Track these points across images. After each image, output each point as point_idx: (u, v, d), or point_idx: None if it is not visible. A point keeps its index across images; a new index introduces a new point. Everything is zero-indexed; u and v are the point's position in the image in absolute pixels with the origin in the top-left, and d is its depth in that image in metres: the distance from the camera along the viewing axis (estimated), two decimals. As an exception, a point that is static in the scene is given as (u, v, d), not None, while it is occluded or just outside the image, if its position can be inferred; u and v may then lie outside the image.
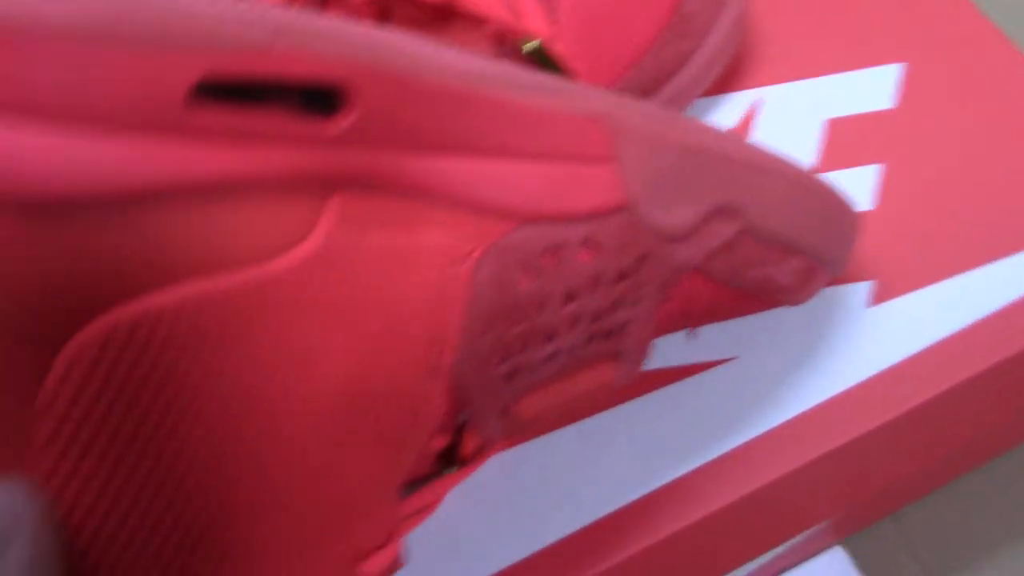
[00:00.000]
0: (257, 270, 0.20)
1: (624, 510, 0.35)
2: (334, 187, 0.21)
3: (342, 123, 0.21)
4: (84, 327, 0.19)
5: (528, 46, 0.36)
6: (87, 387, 0.19)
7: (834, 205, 0.32)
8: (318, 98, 0.22)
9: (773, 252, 0.31)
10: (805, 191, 0.31)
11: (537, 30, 0.37)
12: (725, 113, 0.42)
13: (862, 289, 0.38)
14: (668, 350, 0.37)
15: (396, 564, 0.26)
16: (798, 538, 0.37)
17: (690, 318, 0.32)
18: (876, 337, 0.37)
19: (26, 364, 0.19)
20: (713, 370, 0.37)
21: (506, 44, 0.37)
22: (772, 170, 0.30)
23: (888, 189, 0.39)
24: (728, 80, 0.42)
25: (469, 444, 0.29)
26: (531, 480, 0.35)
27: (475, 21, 0.35)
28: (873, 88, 0.42)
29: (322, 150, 0.21)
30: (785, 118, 0.42)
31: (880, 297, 0.37)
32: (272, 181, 0.20)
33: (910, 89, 0.42)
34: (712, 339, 0.37)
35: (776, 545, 0.36)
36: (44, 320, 0.19)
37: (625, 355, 0.30)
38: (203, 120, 0.19)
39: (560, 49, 0.38)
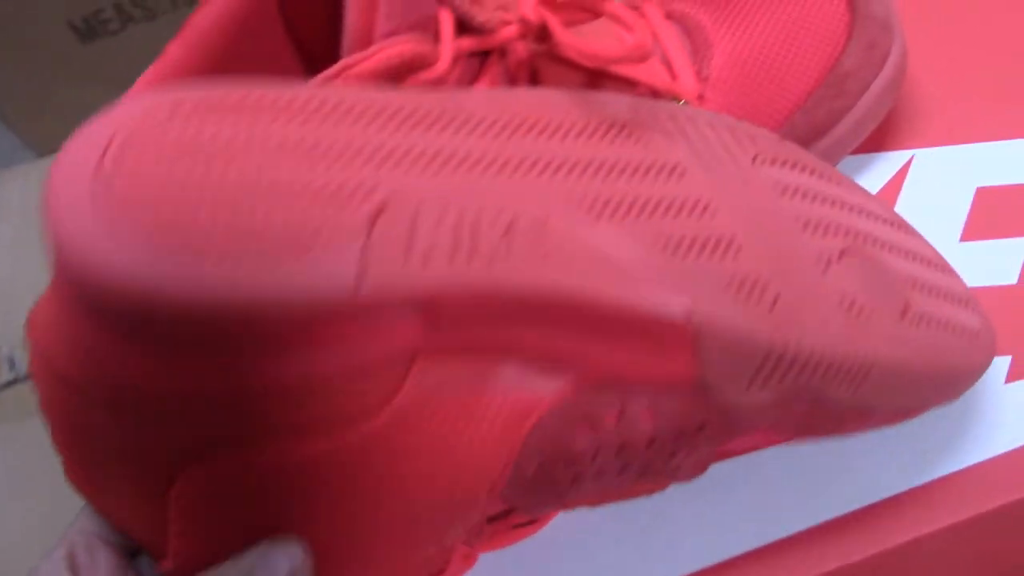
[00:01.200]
0: (362, 426, 0.24)
1: (741, 559, 0.35)
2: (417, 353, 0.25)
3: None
4: (202, 462, 0.23)
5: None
6: (197, 508, 0.23)
7: (960, 372, 0.32)
8: None
9: (852, 416, 0.31)
10: (921, 374, 0.31)
11: (686, 90, 0.37)
12: (874, 173, 0.41)
13: (1000, 364, 0.37)
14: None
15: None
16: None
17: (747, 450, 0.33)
18: (1011, 415, 0.36)
19: (156, 473, 0.23)
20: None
21: (656, 103, 0.37)
22: (880, 360, 0.29)
23: (1036, 264, 0.38)
24: (880, 139, 0.42)
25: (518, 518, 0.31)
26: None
27: (624, 82, 0.36)
28: (1029, 158, 0.40)
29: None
30: (935, 183, 0.41)
31: (1017, 374, 0.37)
32: (384, 360, 0.24)
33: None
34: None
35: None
36: (171, 443, 0.23)
37: (675, 481, 0.31)
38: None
39: (711, 108, 0.38)
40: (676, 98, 0.37)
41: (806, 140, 0.39)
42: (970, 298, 0.33)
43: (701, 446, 0.30)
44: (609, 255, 0.27)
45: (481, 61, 0.35)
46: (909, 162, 0.41)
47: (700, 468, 0.31)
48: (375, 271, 0.23)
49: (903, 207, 0.40)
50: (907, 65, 0.40)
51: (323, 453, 0.24)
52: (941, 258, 0.34)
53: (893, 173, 0.41)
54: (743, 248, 0.29)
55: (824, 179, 0.33)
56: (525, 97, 0.30)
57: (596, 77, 0.36)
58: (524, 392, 0.27)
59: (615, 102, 0.31)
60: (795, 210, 0.31)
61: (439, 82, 0.32)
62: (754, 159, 0.32)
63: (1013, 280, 0.38)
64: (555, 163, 0.28)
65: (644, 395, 0.28)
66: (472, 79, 0.34)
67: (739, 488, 0.36)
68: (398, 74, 0.31)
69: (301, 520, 0.24)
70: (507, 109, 0.29)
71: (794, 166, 0.32)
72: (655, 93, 0.37)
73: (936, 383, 0.31)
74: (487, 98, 0.29)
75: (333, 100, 0.26)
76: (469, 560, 0.31)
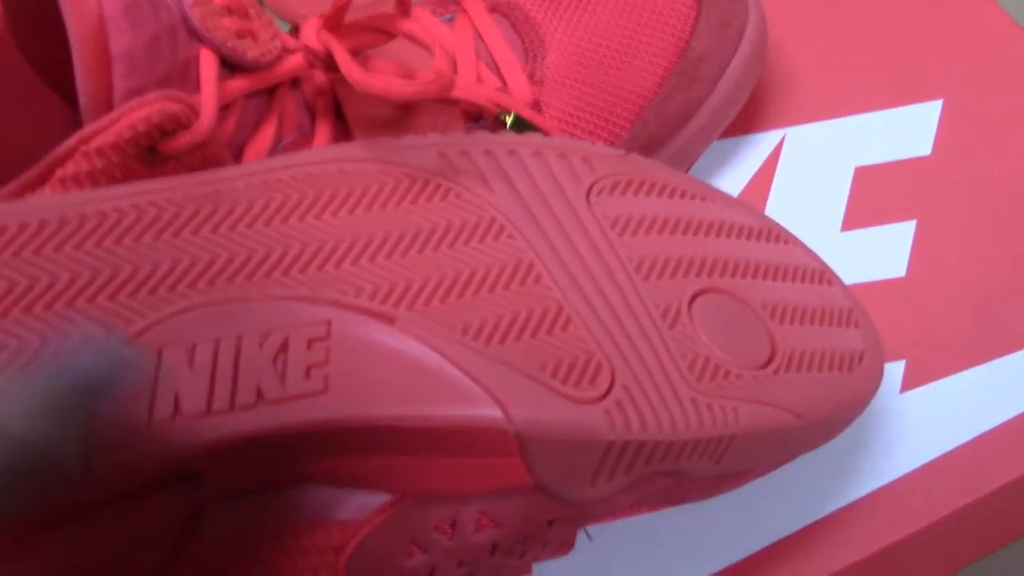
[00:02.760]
0: None
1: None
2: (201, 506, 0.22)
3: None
4: None
5: (508, 120, 0.31)
6: None
7: (843, 410, 0.27)
8: None
9: (724, 480, 0.27)
10: (793, 428, 0.26)
11: (518, 98, 0.32)
12: (744, 158, 0.36)
13: (894, 371, 0.33)
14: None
15: None
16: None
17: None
18: (910, 430, 0.32)
19: None
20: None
21: (483, 119, 0.31)
22: (741, 427, 0.25)
23: (920, 250, 0.34)
24: (747, 120, 0.37)
25: None
26: None
27: (444, 103, 0.30)
28: (908, 131, 0.36)
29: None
30: (810, 163, 0.36)
31: (913, 381, 0.32)
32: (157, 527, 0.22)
33: (948, 131, 0.35)
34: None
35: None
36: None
37: (540, 561, 0.26)
38: None
39: (549, 114, 0.33)
40: (505, 111, 0.31)
41: (662, 137, 0.34)
42: (851, 309, 0.29)
43: (553, 539, 0.25)
44: (406, 361, 0.22)
45: (267, 101, 0.29)
46: (781, 143, 0.37)
47: (565, 547, 0.26)
48: (103, 453, 0.20)
49: (778, 195, 0.36)
50: (767, 39, 0.35)
51: None
52: (815, 260, 0.29)
53: (765, 157, 0.36)
54: (571, 320, 0.24)
55: (675, 197, 0.28)
56: (301, 161, 0.25)
57: (408, 103, 0.30)
58: (334, 519, 0.23)
59: (417, 150, 0.26)
60: (639, 251, 0.26)
61: (204, 143, 0.26)
62: (589, 191, 0.27)
63: (901, 272, 0.34)
64: (338, 250, 0.24)
65: (476, 503, 0.24)
66: (255, 124, 0.28)
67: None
68: (150, 141, 0.25)
69: None
70: (278, 186, 0.24)
71: (639, 189, 0.28)
72: (479, 108, 0.31)
73: (815, 430, 0.27)
74: (254, 172, 0.24)
75: (54, 222, 0.22)
76: None
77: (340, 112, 0.30)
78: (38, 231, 0.22)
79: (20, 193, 0.25)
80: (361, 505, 0.23)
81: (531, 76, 0.33)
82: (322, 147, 0.26)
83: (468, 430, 0.22)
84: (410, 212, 0.25)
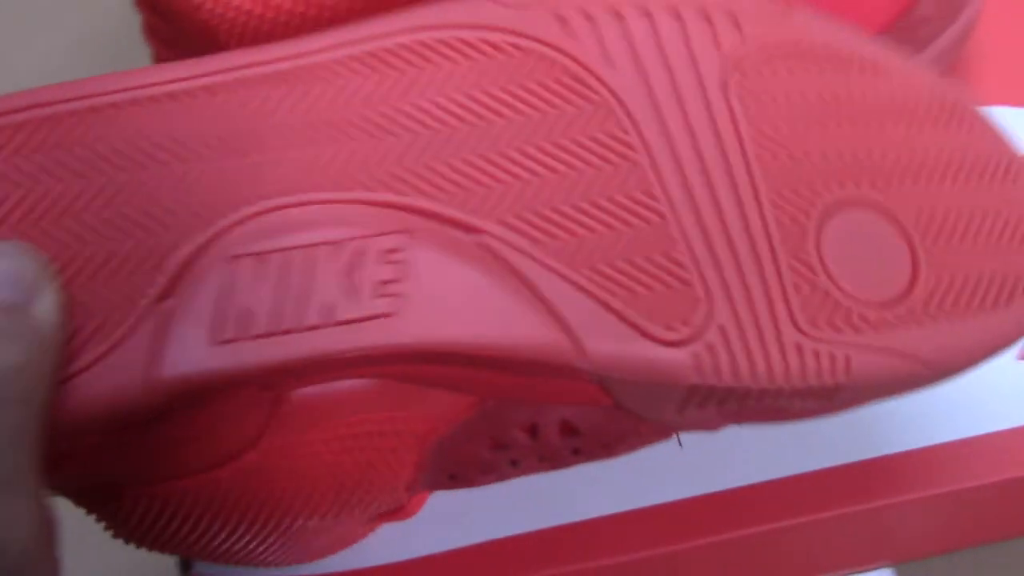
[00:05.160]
0: (234, 463, 0.22)
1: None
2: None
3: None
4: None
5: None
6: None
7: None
8: None
9: (824, 407, 0.23)
10: (907, 387, 0.22)
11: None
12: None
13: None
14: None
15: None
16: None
17: None
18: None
19: None
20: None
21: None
22: (854, 376, 0.21)
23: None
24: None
25: None
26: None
27: None
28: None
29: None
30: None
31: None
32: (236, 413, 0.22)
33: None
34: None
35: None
36: None
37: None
38: None
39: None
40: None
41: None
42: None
43: (642, 442, 0.24)
44: (483, 282, 0.21)
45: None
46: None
47: (662, 437, 0.25)
48: (163, 372, 0.20)
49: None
50: (978, 22, 0.37)
51: (204, 483, 0.22)
52: (1003, 145, 0.24)
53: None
54: (675, 241, 0.21)
55: (841, 71, 0.24)
56: (388, 28, 0.23)
57: None
58: (415, 414, 0.23)
59: (532, 10, 0.23)
60: (776, 149, 0.22)
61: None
62: (732, 68, 0.23)
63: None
64: (434, 143, 0.21)
65: (558, 410, 0.23)
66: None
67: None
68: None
69: (207, 533, 0.23)
70: (369, 62, 0.22)
71: (796, 61, 0.23)
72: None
73: (942, 376, 0.23)
74: (332, 43, 0.23)
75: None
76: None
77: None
78: (113, 114, 0.21)
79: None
80: (443, 403, 0.23)
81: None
82: (416, 10, 0.23)
83: (538, 360, 0.21)
84: (510, 96, 0.22)
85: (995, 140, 0.24)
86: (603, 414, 0.23)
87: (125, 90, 0.21)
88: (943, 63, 0.37)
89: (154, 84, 0.22)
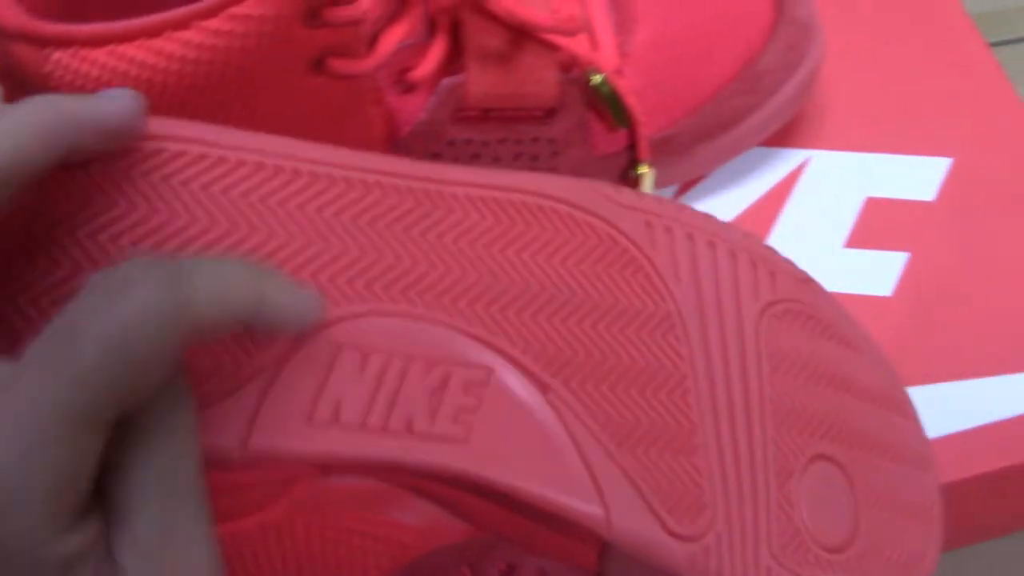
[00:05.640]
0: (257, 516, 0.24)
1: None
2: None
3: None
4: None
5: (594, 79, 0.34)
6: None
7: None
8: None
9: None
10: None
11: (606, 62, 0.35)
12: (770, 169, 0.40)
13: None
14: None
15: None
16: None
17: None
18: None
19: None
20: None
21: (573, 71, 0.34)
22: None
23: (908, 278, 0.37)
24: (780, 136, 0.40)
25: None
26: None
27: (547, 46, 0.33)
28: (918, 177, 0.39)
29: None
30: (827, 186, 0.39)
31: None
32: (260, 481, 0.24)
33: (952, 185, 0.39)
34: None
35: None
36: None
37: None
38: None
39: (626, 84, 0.36)
40: (595, 71, 0.34)
41: (712, 131, 0.37)
42: (935, 503, 0.27)
43: None
44: (544, 437, 0.22)
45: (401, 3, 0.32)
46: (805, 163, 0.40)
47: None
48: (261, 440, 0.21)
49: (794, 205, 0.39)
50: (821, 70, 0.39)
51: (232, 532, 0.24)
52: (923, 443, 0.28)
53: (789, 171, 0.40)
54: (698, 449, 0.24)
55: (833, 341, 0.27)
56: (523, 187, 0.25)
57: (518, 36, 0.33)
58: (412, 525, 0.24)
59: (629, 211, 0.25)
60: (784, 394, 0.25)
61: (358, 20, 0.29)
62: (762, 313, 0.26)
63: (888, 292, 0.37)
64: (523, 296, 0.24)
65: (540, 560, 0.25)
66: (390, 20, 0.31)
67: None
68: (317, 5, 0.28)
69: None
70: (493, 205, 0.24)
71: (806, 323, 0.27)
72: (574, 61, 0.34)
73: None
74: (475, 184, 0.24)
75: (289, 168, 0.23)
76: None
77: (455, 34, 0.33)
78: (271, 176, 0.22)
79: (188, 19, 0.27)
80: (438, 521, 0.24)
81: (620, 47, 0.36)
82: (542, 176, 0.26)
83: (564, 518, 0.22)
84: (599, 278, 0.24)
85: (918, 433, 0.28)
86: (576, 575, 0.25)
87: (301, 159, 0.23)
88: (788, 111, 0.38)
89: (322, 162, 0.23)
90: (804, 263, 0.38)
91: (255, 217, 0.22)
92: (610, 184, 0.26)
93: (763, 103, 0.37)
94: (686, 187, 0.39)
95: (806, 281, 0.27)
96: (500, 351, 0.23)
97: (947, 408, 0.35)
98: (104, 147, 0.21)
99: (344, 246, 0.22)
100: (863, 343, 0.28)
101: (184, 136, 0.22)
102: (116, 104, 0.21)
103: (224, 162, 0.22)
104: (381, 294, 0.22)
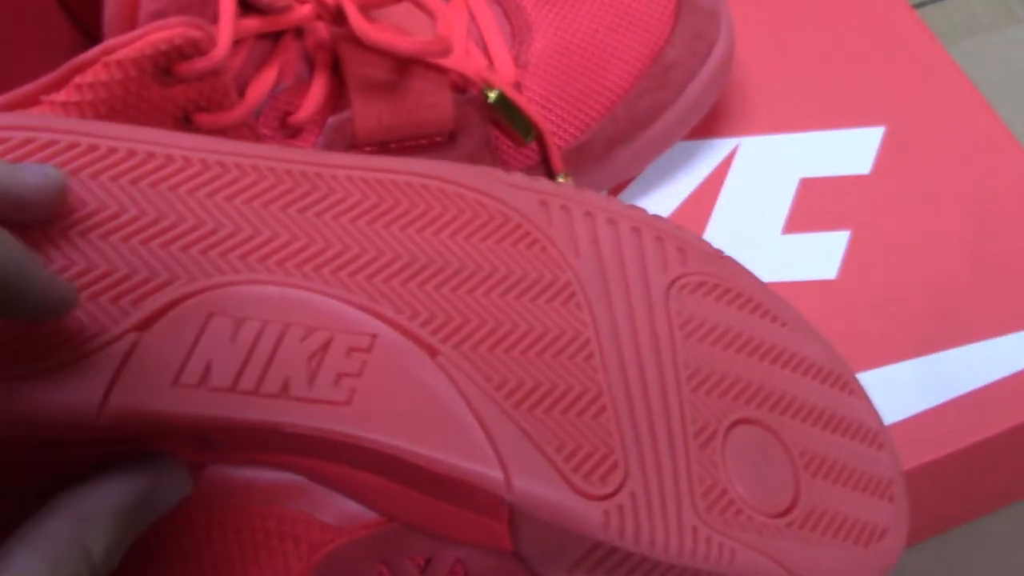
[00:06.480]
0: None
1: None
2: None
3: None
4: None
5: (491, 95, 0.33)
6: None
7: None
8: None
9: None
10: None
11: (502, 77, 0.33)
12: (700, 161, 0.38)
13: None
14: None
15: None
16: None
17: None
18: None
19: None
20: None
21: (469, 91, 0.33)
22: (736, 568, 0.23)
23: (851, 257, 0.36)
24: (706, 126, 0.38)
25: None
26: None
27: (434, 69, 0.32)
28: (851, 151, 0.37)
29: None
30: (759, 172, 0.38)
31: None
32: None
33: (887, 155, 0.37)
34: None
35: None
36: None
37: None
38: None
39: (528, 97, 0.34)
40: (490, 87, 0.33)
41: (629, 133, 0.35)
42: (892, 480, 0.26)
43: None
44: (432, 399, 0.22)
45: (272, 44, 0.30)
46: (735, 151, 0.38)
47: None
48: (122, 398, 0.20)
49: (728, 195, 0.37)
50: (735, 54, 0.37)
51: None
52: (874, 419, 0.27)
53: (719, 161, 0.38)
54: (605, 409, 0.23)
55: (755, 314, 0.27)
56: (406, 169, 0.25)
57: (403, 64, 0.32)
58: (318, 518, 0.23)
59: (521, 191, 0.25)
60: (698, 359, 0.25)
61: (216, 71, 0.27)
62: (672, 283, 0.26)
63: (832, 275, 0.35)
64: (409, 268, 0.23)
65: (455, 549, 0.24)
66: (260, 64, 0.30)
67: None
68: (168, 62, 0.26)
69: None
70: (376, 187, 0.24)
71: (722, 295, 0.26)
72: (466, 80, 0.32)
73: None
74: (358, 167, 0.24)
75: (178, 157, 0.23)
76: None
77: (337, 68, 0.32)
78: (144, 161, 0.22)
79: (35, 95, 0.26)
80: (347, 513, 0.23)
81: (516, 59, 0.34)
82: (430, 161, 0.26)
83: (468, 485, 0.22)
84: (491, 251, 0.24)
85: (868, 408, 0.27)
86: (497, 562, 0.24)
87: (174, 146, 0.23)
88: (706, 101, 0.37)
89: (197, 149, 0.23)
90: (743, 254, 0.36)
91: (124, 197, 0.22)
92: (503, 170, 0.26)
93: (677, 97, 0.36)
94: (615, 191, 0.38)
95: (720, 257, 0.27)
96: (384, 318, 0.22)
97: (906, 389, 0.33)
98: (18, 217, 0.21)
99: (217, 223, 0.22)
100: (794, 320, 0.27)
101: (57, 128, 0.22)
102: (35, 178, 0.21)
103: (95, 149, 0.22)
104: (256, 265, 0.22)
